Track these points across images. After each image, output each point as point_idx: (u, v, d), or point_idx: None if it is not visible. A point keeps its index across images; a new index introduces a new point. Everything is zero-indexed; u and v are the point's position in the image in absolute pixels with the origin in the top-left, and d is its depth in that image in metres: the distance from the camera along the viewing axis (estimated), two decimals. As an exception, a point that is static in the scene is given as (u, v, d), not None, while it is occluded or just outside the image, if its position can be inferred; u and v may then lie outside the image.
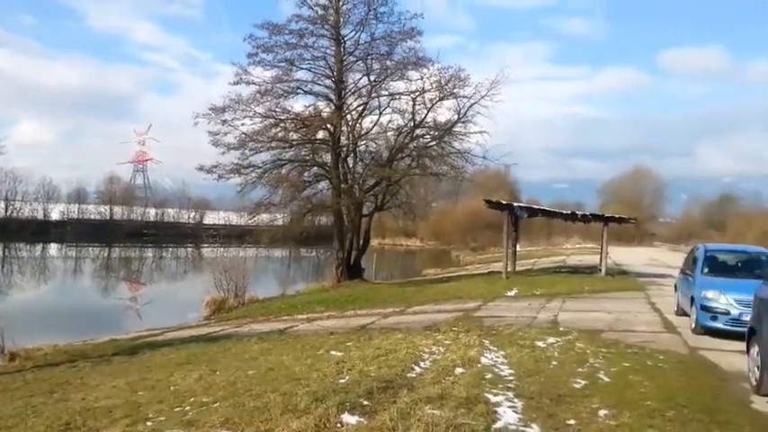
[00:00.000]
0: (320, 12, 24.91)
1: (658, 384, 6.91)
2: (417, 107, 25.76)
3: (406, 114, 26.13)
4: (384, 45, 25.16)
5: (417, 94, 25.34)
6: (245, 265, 25.32)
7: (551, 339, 9.68)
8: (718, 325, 10.36)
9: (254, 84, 24.38)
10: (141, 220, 72.34)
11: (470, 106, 25.14)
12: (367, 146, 27.07)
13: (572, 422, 5.45)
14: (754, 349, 7.00)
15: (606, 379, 7.15)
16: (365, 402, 5.87)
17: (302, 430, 5.12)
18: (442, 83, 24.95)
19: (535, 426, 5.31)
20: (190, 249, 62.55)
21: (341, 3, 25.03)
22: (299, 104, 26.31)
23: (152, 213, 74.94)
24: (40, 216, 67.46)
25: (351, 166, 26.70)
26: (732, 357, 8.49)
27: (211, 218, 78.28)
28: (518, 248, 32.43)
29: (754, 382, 6.86)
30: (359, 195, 26.08)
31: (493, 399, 6.11)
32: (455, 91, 25.07)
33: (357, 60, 25.52)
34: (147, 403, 6.79)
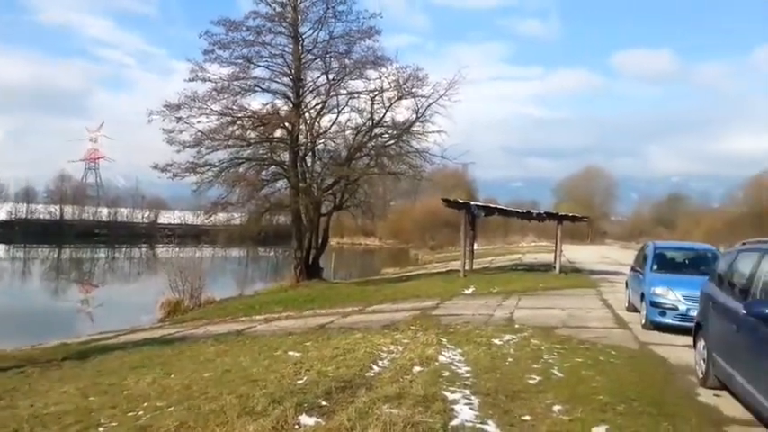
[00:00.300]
0: (278, 9, 24.70)
1: (610, 379, 7.09)
2: (376, 106, 25.83)
3: (365, 113, 26.17)
4: (343, 44, 25.15)
5: (376, 93, 25.39)
6: (202, 266, 24.96)
7: (507, 336, 9.83)
8: (667, 320, 10.69)
9: (210, 81, 24.08)
10: (93, 220, 70.48)
11: (428, 106, 25.36)
12: (325, 145, 27.04)
13: (527, 418, 5.54)
14: (701, 343, 7.25)
15: (560, 374, 7.30)
16: (323, 403, 5.85)
17: (259, 432, 5.07)
18: (401, 82, 25.07)
19: (491, 422, 5.39)
20: (144, 250, 61.25)
21: (299, 0, 24.86)
22: (256, 102, 26.08)
23: (104, 213, 73.12)
24: (-14, 216, 65.11)
25: (309, 164, 26.60)
26: (680, 351, 8.77)
27: (166, 217, 76.74)
28: (475, 247, 32.78)
29: (701, 375, 7.11)
30: (317, 194, 25.99)
31: (450, 396, 6.17)
32: (413, 90, 25.25)
33: (315, 59, 25.41)
34: (98, 408, 6.63)
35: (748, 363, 5.63)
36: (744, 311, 5.62)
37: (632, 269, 13.99)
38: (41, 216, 68.85)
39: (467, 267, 24.42)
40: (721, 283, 7.14)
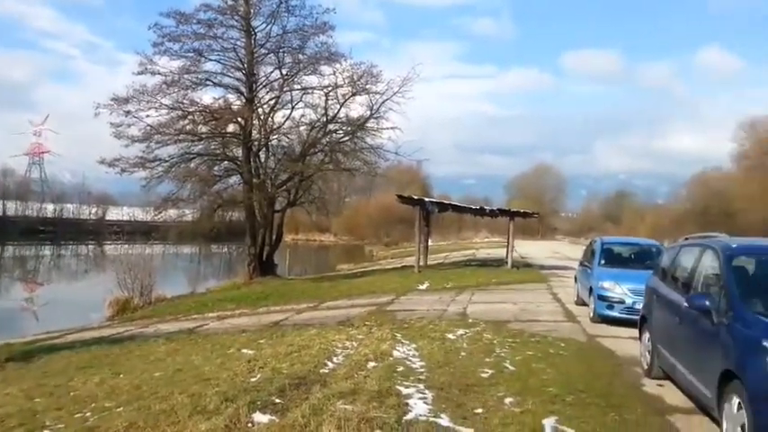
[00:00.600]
0: (230, 2, 24.29)
1: (559, 371, 7.27)
2: (330, 102, 25.70)
3: (319, 109, 26.03)
4: (296, 38, 24.93)
5: (330, 89, 25.28)
6: (152, 263, 24.30)
7: (461, 331, 9.96)
8: (614, 313, 11.02)
9: (159, 74, 23.50)
10: (38, 216, 67.90)
11: (383, 102, 25.39)
12: (279, 140, 26.75)
13: (479, 411, 5.64)
14: (646, 336, 7.50)
15: (511, 368, 7.44)
16: (277, 400, 5.82)
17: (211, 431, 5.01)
18: (355, 78, 25.04)
19: (444, 416, 5.46)
20: (91, 247, 59.40)
21: (251, -7, 24.52)
22: (208, 96, 25.65)
23: (50, 209, 70.50)
24: None
25: (263, 160, 26.29)
26: (626, 344, 9.06)
27: (114, 213, 74.60)
28: (430, 243, 33.11)
29: (646, 367, 7.36)
30: (271, 190, 25.74)
31: (404, 391, 6.22)
32: (367, 87, 25.23)
33: (269, 53, 25.14)
34: (44, 410, 6.42)
35: (690, 354, 5.86)
36: (686, 304, 5.83)
37: (581, 264, 14.36)
38: (-19, 212, 66.01)
39: (421, 263, 24.61)
40: (665, 277, 7.40)
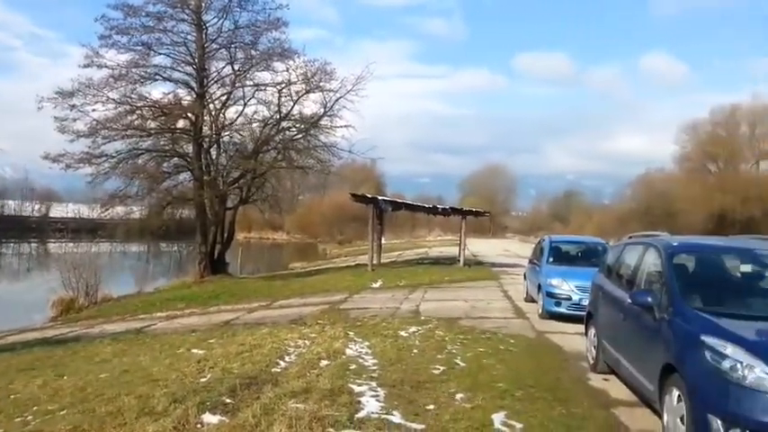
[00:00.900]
0: (180, -6, 23.83)
1: (509, 367, 7.41)
2: (283, 99, 25.55)
3: (272, 106, 25.83)
4: (249, 34, 24.69)
5: (283, 85, 25.11)
6: (98, 262, 23.62)
7: (413, 328, 10.03)
8: (562, 310, 11.29)
9: (107, 67, 22.94)
10: (-25, 213, 65.14)
11: (336, 100, 25.41)
12: (231, 137, 26.42)
13: (431, 407, 5.69)
14: (591, 331, 7.71)
15: (462, 364, 7.54)
16: (227, 400, 5.75)
17: (160, 433, 4.91)
18: (309, 76, 24.94)
19: (396, 413, 5.49)
20: (34, 245, 57.30)
21: (203, -13, 24.09)
22: (157, 91, 25.06)
23: (-11, 205, 67.74)
24: None
25: (214, 157, 25.91)
26: (573, 339, 9.29)
27: (59, 210, 72.04)
28: (383, 241, 33.24)
29: (591, 361, 7.57)
30: (223, 188, 25.40)
31: (357, 389, 6.23)
32: (321, 84, 25.20)
33: (220, 48, 24.79)
34: (-19, 415, 6.17)
35: (633, 348, 6.05)
36: (629, 301, 6.02)
37: (530, 262, 14.66)
38: None
39: (375, 261, 24.68)
40: (610, 274, 7.61)
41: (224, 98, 25.39)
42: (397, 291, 16.77)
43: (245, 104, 25.77)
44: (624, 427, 5.41)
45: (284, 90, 25.24)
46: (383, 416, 5.39)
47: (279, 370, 7.15)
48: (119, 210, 25.76)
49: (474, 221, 34.77)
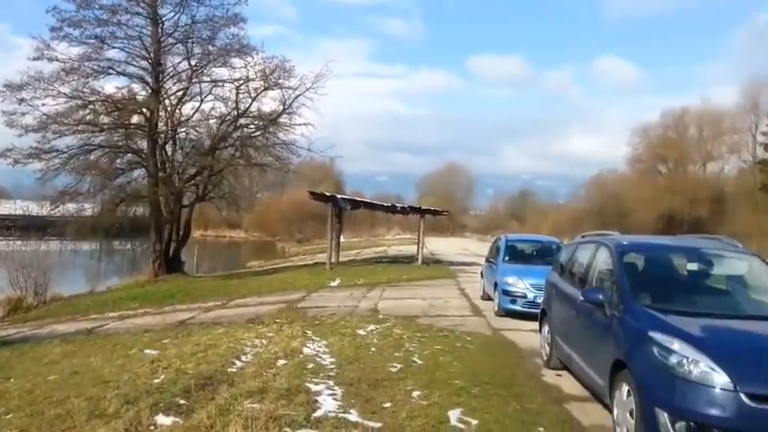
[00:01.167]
0: (135, -13, 23.27)
1: (465, 364, 7.50)
2: (241, 96, 25.19)
3: (230, 103, 25.45)
4: (206, 29, 24.23)
5: (241, 82, 24.77)
6: (47, 260, 22.90)
7: (371, 327, 10.06)
8: (517, 307, 11.48)
9: (58, 60, 22.19)
10: None
11: (295, 98, 25.21)
12: (188, 133, 25.89)
13: (388, 405, 5.72)
14: (545, 328, 7.87)
15: (419, 362, 7.60)
16: (182, 401, 5.66)
17: (111, 435, 4.80)
18: (267, 72, 24.68)
19: (353, 411, 5.50)
20: (-22, 243, 55.18)
21: (158, -20, 23.58)
22: (110, 86, 24.46)
23: (-71, 202, 64.91)
24: None
25: (169, 153, 25.39)
26: (528, 336, 9.45)
27: (6, 207, 69.34)
28: (342, 240, 33.18)
29: (545, 357, 7.73)
30: (178, 185, 24.93)
31: (314, 388, 6.21)
32: (280, 81, 24.96)
33: (177, 43, 24.29)
34: None
35: (585, 345, 6.20)
36: (581, 298, 6.16)
37: (487, 260, 14.85)
38: None
39: (333, 260, 24.63)
40: (563, 272, 7.78)
41: (180, 94, 24.91)
42: (355, 289, 16.77)
43: (201, 100, 25.37)
44: (576, 422, 5.54)
45: (242, 87, 24.94)
46: (340, 414, 5.39)
47: (235, 370, 7.07)
48: (70, 207, 25.00)
49: (432, 220, 35.00)
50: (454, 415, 5.46)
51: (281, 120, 25.55)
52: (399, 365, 7.34)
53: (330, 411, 5.47)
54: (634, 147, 58.86)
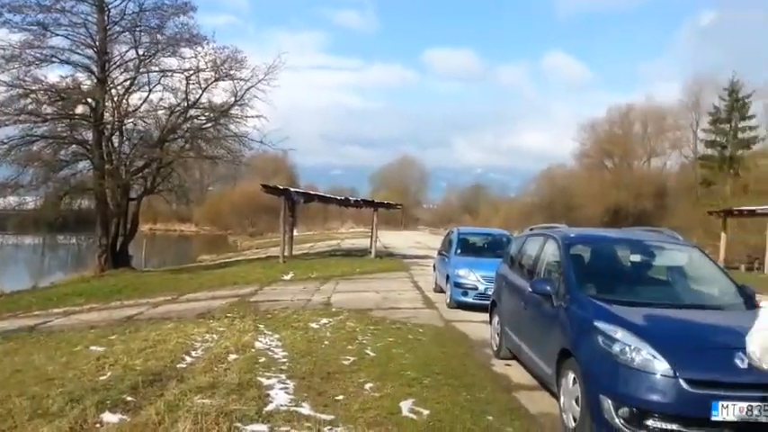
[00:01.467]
0: (79, -27, 22.48)
1: (417, 356, 7.57)
2: (191, 86, 24.78)
3: (180, 93, 24.98)
4: (154, 18, 23.65)
5: (191, 72, 24.33)
6: (-14, 255, 22.08)
7: (324, 320, 10.03)
8: (468, 299, 11.64)
9: (-3, 48, 21.26)
10: None
11: (247, 89, 24.95)
12: (135, 124, 25.26)
13: (340, 397, 5.74)
14: (495, 319, 8.01)
15: (372, 354, 7.63)
16: (129, 398, 5.54)
17: (55, 435, 4.67)
18: (218, 63, 24.32)
19: (306, 404, 5.49)
20: None
21: (104, -34, 22.84)
22: (54, 74, 23.80)
23: None
24: None
25: (116, 145, 24.73)
26: (479, 327, 9.60)
27: (-59, 200, 66.53)
28: (295, 233, 32.99)
29: (495, 348, 7.87)
30: (125, 177, 24.32)
31: (266, 382, 6.18)
32: (232, 72, 24.65)
33: (124, 31, 23.61)
34: None
35: (533, 335, 6.35)
36: (530, 289, 6.29)
37: (439, 253, 15.01)
38: None
39: (286, 253, 24.47)
40: (513, 264, 7.93)
41: (127, 84, 24.29)
42: (308, 282, 16.70)
43: (150, 91, 24.78)
44: (524, 410, 5.67)
45: (192, 77, 24.50)
46: (292, 408, 5.38)
47: (184, 365, 6.96)
48: (11, 200, 24.11)
49: (386, 213, 35.19)
50: (406, 405, 5.51)
51: (232, 111, 25.24)
52: (352, 358, 7.36)
53: (282, 405, 5.45)
54: (582, 142, 60.48)
